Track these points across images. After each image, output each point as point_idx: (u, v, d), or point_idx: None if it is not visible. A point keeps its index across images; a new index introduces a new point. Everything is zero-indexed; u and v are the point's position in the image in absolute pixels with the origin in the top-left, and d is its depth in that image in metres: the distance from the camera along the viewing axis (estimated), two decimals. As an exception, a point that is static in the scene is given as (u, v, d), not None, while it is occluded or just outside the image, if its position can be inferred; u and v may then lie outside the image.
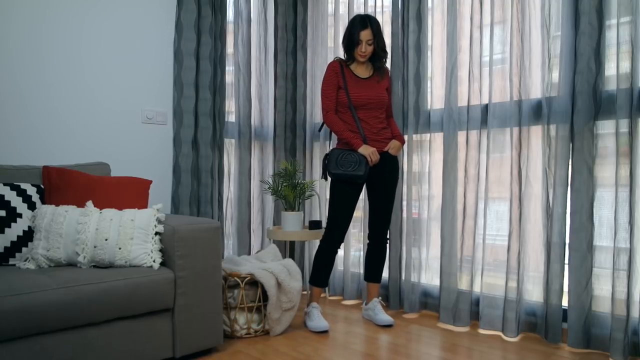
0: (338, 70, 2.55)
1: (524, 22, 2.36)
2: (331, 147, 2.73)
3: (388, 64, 2.94)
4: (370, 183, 2.63)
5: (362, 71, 2.60)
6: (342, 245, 3.14)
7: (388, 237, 2.69)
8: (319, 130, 2.88)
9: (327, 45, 3.35)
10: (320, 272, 2.59)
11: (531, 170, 2.37)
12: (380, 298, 2.69)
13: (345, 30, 2.56)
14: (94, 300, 1.73)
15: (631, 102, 2.02)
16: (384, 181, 2.59)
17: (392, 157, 2.60)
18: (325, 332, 2.47)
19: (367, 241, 2.69)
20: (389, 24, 2.96)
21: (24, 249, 1.99)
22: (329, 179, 2.60)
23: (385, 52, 2.58)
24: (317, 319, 2.50)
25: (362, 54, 2.51)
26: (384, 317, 2.56)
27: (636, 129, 2.02)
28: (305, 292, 3.18)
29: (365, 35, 2.47)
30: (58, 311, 1.64)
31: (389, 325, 2.55)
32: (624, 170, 2.04)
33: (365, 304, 2.71)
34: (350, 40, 2.51)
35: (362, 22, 2.48)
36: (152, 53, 2.86)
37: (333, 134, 2.69)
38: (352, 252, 3.14)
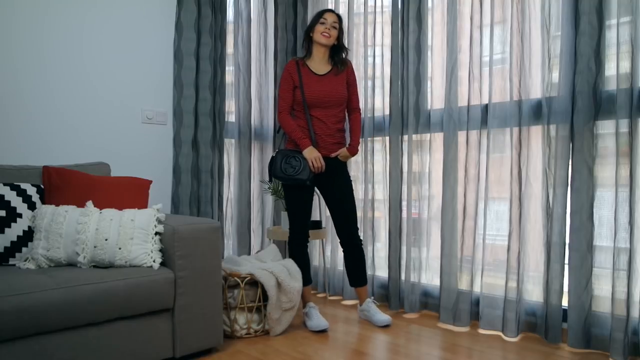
0: (293, 70, 2.56)
1: (524, 22, 2.36)
2: (278, 148, 2.73)
3: (388, 64, 2.94)
4: (323, 190, 2.62)
5: (319, 67, 2.60)
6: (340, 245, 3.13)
7: (361, 237, 2.66)
8: (277, 132, 2.87)
9: (327, 45, 3.34)
10: (301, 272, 2.57)
11: (531, 170, 2.37)
12: (372, 297, 2.68)
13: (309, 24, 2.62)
14: (94, 300, 1.73)
15: (631, 102, 2.01)
16: (336, 185, 2.58)
17: (341, 162, 2.61)
18: (325, 330, 2.47)
19: (342, 248, 2.65)
20: (389, 24, 2.96)
21: (24, 249, 1.99)
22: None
23: (346, 47, 2.63)
24: (317, 318, 2.50)
25: (327, 34, 2.52)
26: (381, 317, 2.55)
27: (636, 129, 2.02)
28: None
29: (331, 16, 2.54)
30: (58, 311, 1.64)
31: (387, 325, 2.54)
32: (624, 170, 2.04)
33: (360, 305, 2.70)
34: (313, 22, 2.56)
35: (327, 9, 2.59)
36: (152, 53, 2.86)
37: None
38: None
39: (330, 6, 3.38)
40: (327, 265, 3.28)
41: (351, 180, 2.65)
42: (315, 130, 2.55)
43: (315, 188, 2.71)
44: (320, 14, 2.57)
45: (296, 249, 2.58)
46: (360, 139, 2.99)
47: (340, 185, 2.59)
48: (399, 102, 2.85)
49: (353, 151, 2.59)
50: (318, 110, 2.54)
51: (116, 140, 2.73)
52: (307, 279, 2.60)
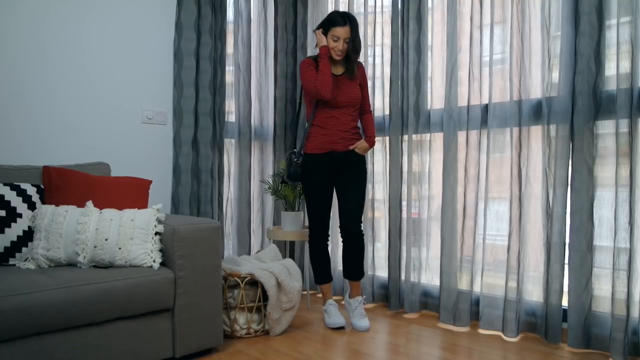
0: (313, 65, 2.53)
1: (524, 22, 2.36)
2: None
3: (388, 64, 2.95)
4: (338, 181, 2.59)
5: (334, 68, 2.58)
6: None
7: (362, 231, 2.62)
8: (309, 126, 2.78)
9: (327, 45, 3.34)
10: (319, 270, 2.60)
11: (531, 170, 2.37)
12: (364, 297, 2.67)
13: (321, 23, 2.53)
14: (94, 300, 1.73)
15: (631, 102, 2.02)
16: (350, 176, 2.56)
17: (357, 156, 2.59)
18: (342, 328, 2.49)
19: (342, 239, 2.61)
20: (389, 24, 2.96)
21: (24, 249, 1.99)
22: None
23: (358, 53, 2.55)
24: (334, 316, 2.52)
25: (339, 53, 2.49)
26: (361, 322, 2.51)
27: (636, 129, 2.02)
28: (304, 292, 3.17)
29: (344, 32, 2.45)
30: (58, 311, 1.64)
31: (365, 331, 2.49)
32: (624, 170, 2.04)
33: (349, 297, 2.65)
34: (326, 34, 2.50)
35: (342, 19, 2.46)
36: (152, 53, 2.86)
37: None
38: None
39: (330, 7, 3.37)
40: (327, 265, 3.27)
41: (366, 175, 2.64)
42: (330, 127, 2.54)
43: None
44: (333, 26, 2.46)
45: (316, 244, 2.60)
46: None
47: (353, 175, 2.58)
48: (399, 102, 2.85)
49: (371, 142, 2.60)
50: (333, 109, 2.54)
51: (116, 140, 2.73)
52: (326, 278, 2.62)
